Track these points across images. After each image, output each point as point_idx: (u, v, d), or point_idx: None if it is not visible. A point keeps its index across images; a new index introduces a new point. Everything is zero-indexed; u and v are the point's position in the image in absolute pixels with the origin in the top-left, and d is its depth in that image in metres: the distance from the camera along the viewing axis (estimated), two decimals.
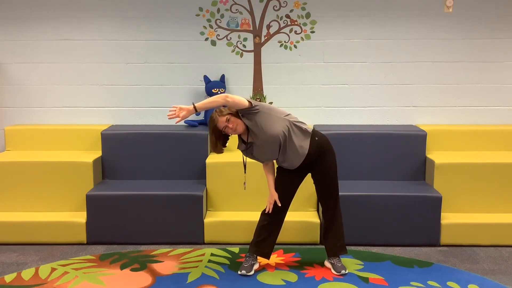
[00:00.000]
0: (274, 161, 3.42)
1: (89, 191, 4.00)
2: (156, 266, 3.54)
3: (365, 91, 4.63)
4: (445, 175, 4.06)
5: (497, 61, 4.58)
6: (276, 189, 3.38)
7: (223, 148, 3.31)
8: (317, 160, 3.33)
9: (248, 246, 3.54)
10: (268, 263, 3.57)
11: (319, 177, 3.40)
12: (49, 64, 4.61)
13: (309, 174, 3.44)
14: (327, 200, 3.43)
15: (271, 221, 3.42)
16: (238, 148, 3.37)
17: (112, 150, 4.32)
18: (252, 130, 3.19)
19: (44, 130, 4.52)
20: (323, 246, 3.54)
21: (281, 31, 4.58)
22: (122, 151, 4.32)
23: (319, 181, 3.41)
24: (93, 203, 3.94)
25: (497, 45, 4.56)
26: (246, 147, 3.29)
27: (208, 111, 4.53)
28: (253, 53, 4.61)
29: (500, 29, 4.53)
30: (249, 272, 3.39)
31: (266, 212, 3.41)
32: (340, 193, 3.89)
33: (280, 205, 3.34)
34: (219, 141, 3.26)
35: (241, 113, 3.20)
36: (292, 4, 4.53)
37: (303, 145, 3.25)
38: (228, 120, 3.16)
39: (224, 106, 3.19)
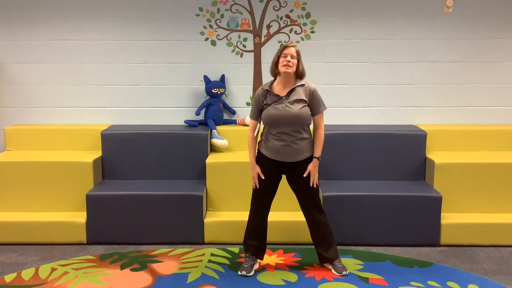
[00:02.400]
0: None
1: (89, 191, 4.00)
2: (156, 266, 3.54)
3: (365, 91, 4.63)
4: (445, 175, 4.07)
5: (497, 61, 4.58)
6: (256, 185, 3.40)
7: (276, 71, 3.33)
8: (299, 163, 3.33)
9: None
10: (268, 263, 3.57)
11: (298, 182, 3.37)
12: (49, 64, 4.61)
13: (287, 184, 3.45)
14: (308, 205, 3.41)
15: (260, 223, 3.45)
16: (264, 88, 3.37)
17: (112, 150, 4.32)
18: (300, 94, 3.28)
19: (44, 130, 4.52)
20: None
21: (281, 31, 4.58)
22: (122, 151, 4.32)
23: (298, 186, 3.38)
24: (93, 203, 3.94)
25: (497, 45, 4.56)
26: (273, 100, 3.29)
27: (208, 112, 4.54)
28: (253, 53, 4.61)
29: (500, 29, 4.53)
30: (249, 273, 3.39)
31: (254, 188, 3.42)
32: (340, 193, 3.92)
33: (263, 177, 3.33)
34: (277, 65, 3.30)
35: (314, 104, 3.33)
36: (292, 4, 4.53)
37: (305, 145, 3.32)
38: (294, 57, 3.24)
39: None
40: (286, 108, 3.23)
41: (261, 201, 3.42)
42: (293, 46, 3.27)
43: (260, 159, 3.38)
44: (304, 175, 3.32)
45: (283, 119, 3.23)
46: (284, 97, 3.27)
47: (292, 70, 3.24)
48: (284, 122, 3.24)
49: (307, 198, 3.40)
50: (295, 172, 3.35)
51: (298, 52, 3.27)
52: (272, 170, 3.36)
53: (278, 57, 3.28)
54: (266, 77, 4.62)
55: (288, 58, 3.22)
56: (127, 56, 4.61)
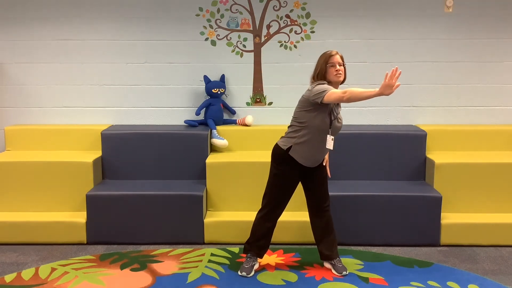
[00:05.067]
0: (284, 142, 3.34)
1: (89, 191, 4.00)
2: (156, 266, 3.54)
3: None
4: (445, 175, 4.07)
5: (497, 61, 4.58)
6: (275, 190, 3.36)
7: (326, 80, 3.24)
8: (319, 165, 3.39)
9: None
10: (268, 263, 3.57)
11: (320, 181, 3.41)
12: (49, 64, 4.61)
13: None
14: (323, 203, 3.44)
15: (272, 226, 3.44)
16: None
17: (112, 150, 4.32)
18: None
19: (44, 130, 4.52)
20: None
21: (281, 31, 4.58)
22: (122, 151, 4.31)
23: (319, 186, 3.41)
24: (93, 203, 3.94)
25: (497, 45, 4.56)
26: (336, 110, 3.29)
27: (208, 112, 4.54)
28: (253, 53, 4.61)
29: (500, 29, 4.53)
30: (250, 274, 3.40)
31: (275, 196, 3.37)
32: (340, 193, 3.93)
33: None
34: (325, 74, 3.23)
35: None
36: (292, 4, 4.53)
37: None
38: (341, 64, 3.23)
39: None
40: (340, 117, 3.33)
41: (282, 207, 3.41)
42: (336, 53, 3.25)
43: (292, 164, 3.29)
44: (324, 163, 3.42)
45: (340, 129, 3.35)
46: (338, 107, 3.33)
47: (343, 77, 3.25)
48: (338, 132, 3.35)
49: (325, 196, 3.43)
50: (316, 173, 3.38)
51: (342, 58, 3.27)
52: (300, 176, 3.37)
53: (325, 67, 3.22)
54: (266, 77, 4.63)
55: (337, 66, 3.20)
56: (127, 56, 4.61)
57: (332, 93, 3.06)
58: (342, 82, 3.29)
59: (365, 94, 2.98)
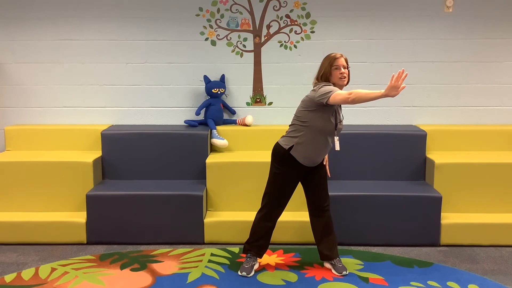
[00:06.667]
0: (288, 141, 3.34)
1: (89, 191, 4.00)
2: (156, 266, 3.54)
3: None
4: (445, 175, 4.07)
5: (497, 61, 4.58)
6: (275, 189, 3.37)
7: (330, 82, 3.24)
8: (319, 164, 3.40)
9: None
10: (268, 263, 3.57)
11: (320, 181, 3.41)
12: (49, 64, 4.61)
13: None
14: (323, 203, 3.44)
15: (271, 225, 3.45)
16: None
17: (112, 150, 4.32)
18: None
19: (44, 130, 4.52)
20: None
21: (281, 31, 4.58)
22: (122, 151, 4.31)
23: (319, 185, 3.42)
24: (93, 203, 3.94)
25: (497, 45, 4.56)
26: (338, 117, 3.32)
27: (208, 112, 4.54)
28: (253, 53, 4.61)
29: (500, 29, 4.53)
30: (250, 273, 3.40)
31: (276, 195, 3.37)
32: (340, 193, 3.93)
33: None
34: (330, 73, 3.23)
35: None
36: (292, 4, 4.53)
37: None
38: (346, 67, 3.23)
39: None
40: (342, 119, 3.35)
41: (282, 206, 3.42)
42: (341, 55, 3.25)
43: (293, 164, 3.29)
44: (324, 163, 3.45)
45: (341, 130, 3.36)
46: (340, 108, 3.35)
47: (347, 80, 3.25)
48: (339, 133, 3.36)
49: (325, 196, 3.43)
50: (316, 172, 3.39)
51: (347, 61, 3.27)
52: (300, 176, 3.38)
53: (330, 69, 3.22)
54: (266, 77, 4.63)
55: (342, 69, 3.20)
56: (127, 56, 4.61)
57: (337, 94, 3.05)
58: (346, 85, 3.29)
59: (370, 95, 2.96)
